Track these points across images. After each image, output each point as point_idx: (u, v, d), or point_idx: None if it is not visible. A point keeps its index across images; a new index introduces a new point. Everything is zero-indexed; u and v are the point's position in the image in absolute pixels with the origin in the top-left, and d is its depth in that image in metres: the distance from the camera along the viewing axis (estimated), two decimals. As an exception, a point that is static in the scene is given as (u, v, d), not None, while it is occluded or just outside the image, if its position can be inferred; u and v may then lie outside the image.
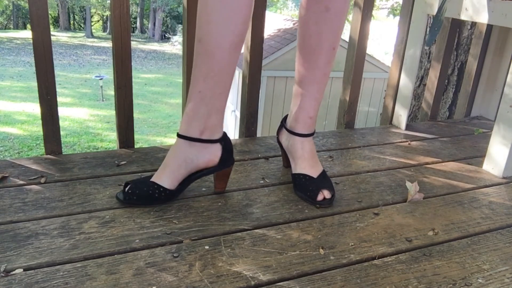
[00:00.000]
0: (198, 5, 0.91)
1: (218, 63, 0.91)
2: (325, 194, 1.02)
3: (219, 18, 0.88)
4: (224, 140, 0.99)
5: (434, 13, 1.36)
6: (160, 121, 9.79)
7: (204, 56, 0.91)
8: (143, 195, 0.95)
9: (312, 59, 1.05)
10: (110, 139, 8.32)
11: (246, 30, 0.92)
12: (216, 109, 0.95)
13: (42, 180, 1.05)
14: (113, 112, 1.32)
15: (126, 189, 0.97)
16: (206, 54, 0.91)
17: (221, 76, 0.93)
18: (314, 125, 1.11)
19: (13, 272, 0.73)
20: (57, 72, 12.51)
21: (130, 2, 1.21)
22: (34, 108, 9.25)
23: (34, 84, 8.74)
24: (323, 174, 1.07)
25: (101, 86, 11.12)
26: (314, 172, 1.06)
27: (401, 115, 1.62)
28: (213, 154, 0.98)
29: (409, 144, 1.47)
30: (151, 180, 0.97)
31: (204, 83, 0.93)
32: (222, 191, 1.04)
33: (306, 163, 1.07)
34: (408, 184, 1.11)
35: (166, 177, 0.96)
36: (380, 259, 0.84)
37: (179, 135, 0.97)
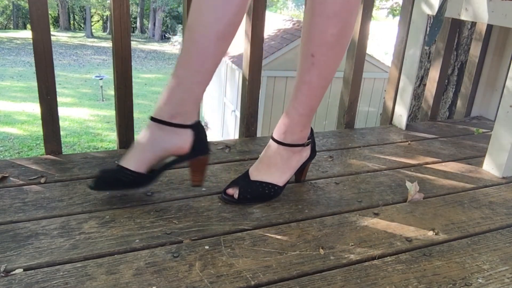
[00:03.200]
0: None
1: (201, 52, 0.89)
2: (234, 192, 1.00)
3: (207, 6, 0.87)
4: (196, 127, 0.96)
5: (434, 13, 1.36)
6: (160, 121, 9.78)
7: (189, 43, 0.90)
8: (110, 179, 0.94)
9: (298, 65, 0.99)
10: (110, 139, 8.32)
11: (237, 22, 0.90)
12: (192, 97, 0.93)
13: (42, 180, 1.05)
14: (113, 112, 1.32)
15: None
16: (191, 41, 0.89)
17: (203, 65, 0.90)
18: (286, 135, 1.02)
19: (13, 272, 0.73)
20: (57, 72, 12.50)
21: (130, 2, 1.21)
22: (34, 108, 9.25)
23: (34, 84, 8.72)
24: (258, 183, 1.01)
25: (101, 86, 11.12)
26: (254, 174, 1.02)
27: (401, 115, 1.62)
28: (183, 140, 0.94)
29: (409, 144, 1.47)
30: (118, 164, 0.95)
31: (183, 70, 0.91)
32: (199, 184, 1.01)
33: (257, 161, 1.05)
34: (408, 184, 1.11)
35: (132, 159, 0.94)
36: (380, 259, 0.84)
37: (151, 118, 0.94)
